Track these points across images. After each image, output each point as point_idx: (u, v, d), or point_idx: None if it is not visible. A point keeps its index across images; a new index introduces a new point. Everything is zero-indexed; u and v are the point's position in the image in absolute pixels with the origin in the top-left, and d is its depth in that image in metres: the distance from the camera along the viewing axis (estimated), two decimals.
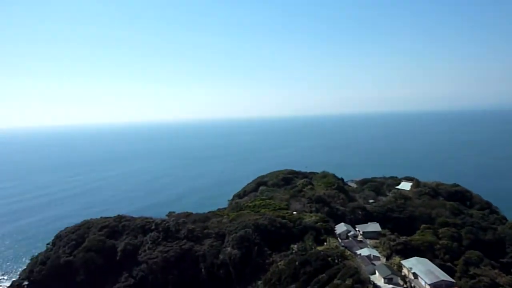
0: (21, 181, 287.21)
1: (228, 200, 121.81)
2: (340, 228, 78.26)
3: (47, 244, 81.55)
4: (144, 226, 75.42)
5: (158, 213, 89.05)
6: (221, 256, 67.40)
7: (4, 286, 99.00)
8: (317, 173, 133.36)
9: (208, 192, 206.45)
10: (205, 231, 75.09)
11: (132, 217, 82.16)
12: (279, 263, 63.76)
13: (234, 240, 69.30)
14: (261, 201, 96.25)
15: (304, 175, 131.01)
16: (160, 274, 65.24)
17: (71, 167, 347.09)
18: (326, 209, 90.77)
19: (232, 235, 70.28)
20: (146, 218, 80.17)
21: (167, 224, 74.66)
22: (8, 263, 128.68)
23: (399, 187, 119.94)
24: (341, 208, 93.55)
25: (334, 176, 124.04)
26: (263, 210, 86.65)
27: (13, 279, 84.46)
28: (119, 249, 70.83)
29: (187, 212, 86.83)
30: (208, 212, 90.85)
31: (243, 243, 68.63)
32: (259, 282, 62.12)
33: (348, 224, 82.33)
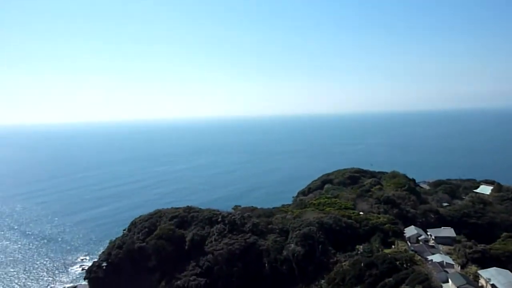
0: (103, 170, 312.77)
1: (293, 197, 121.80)
2: (410, 231, 74.55)
3: (123, 230, 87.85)
4: (211, 218, 78.16)
5: (225, 206, 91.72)
6: (284, 252, 67.74)
7: (86, 265, 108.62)
8: (386, 172, 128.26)
9: (273, 188, 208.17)
10: (269, 226, 75.90)
11: (200, 208, 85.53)
12: (343, 263, 62.56)
13: (298, 237, 69.23)
14: (326, 199, 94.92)
15: (371, 174, 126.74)
16: (225, 266, 67.24)
17: (151, 159, 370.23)
18: (395, 210, 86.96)
19: (296, 232, 70.25)
20: (213, 210, 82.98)
21: (233, 217, 76.63)
22: (91, 245, 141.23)
23: (477, 190, 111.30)
24: (412, 210, 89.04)
25: (405, 176, 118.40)
26: (328, 209, 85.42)
27: (94, 260, 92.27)
28: (187, 238, 74.21)
29: (252, 206, 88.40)
30: (273, 208, 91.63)
31: (307, 240, 68.30)
32: (322, 281, 61.49)
33: (419, 227, 78.13)
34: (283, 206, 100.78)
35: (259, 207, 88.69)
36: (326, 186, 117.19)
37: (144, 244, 75.71)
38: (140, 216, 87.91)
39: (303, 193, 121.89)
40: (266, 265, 66.51)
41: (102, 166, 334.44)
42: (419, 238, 72.14)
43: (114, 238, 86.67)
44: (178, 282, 66.43)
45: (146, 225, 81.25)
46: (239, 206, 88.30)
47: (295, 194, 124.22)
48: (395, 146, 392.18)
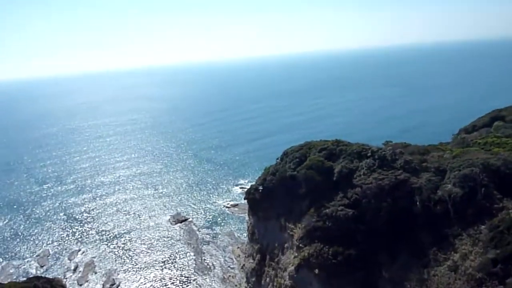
0: (263, 104, 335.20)
1: (453, 135, 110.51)
2: None
3: (276, 159, 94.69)
4: (360, 152, 77.52)
5: (375, 141, 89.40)
6: (439, 192, 63.62)
7: (245, 188, 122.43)
8: None
9: (431, 125, 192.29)
10: (423, 164, 71.45)
11: (349, 142, 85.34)
12: (511, 210, 55.79)
13: (457, 177, 63.69)
14: (494, 139, 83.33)
15: None
16: (373, 200, 67.22)
17: (309, 92, 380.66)
18: None
19: (455, 172, 64.62)
20: (363, 144, 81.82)
21: (383, 153, 74.47)
22: (250, 171, 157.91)
23: None
24: None
25: None
26: (496, 149, 75.19)
27: (252, 184, 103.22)
28: (335, 170, 75.85)
29: (404, 142, 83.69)
30: (428, 145, 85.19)
31: (467, 182, 62.35)
32: (483, 226, 56.41)
33: None
34: (440, 144, 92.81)
35: (412, 143, 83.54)
36: (495, 123, 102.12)
37: (295, 173, 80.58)
38: (292, 147, 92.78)
39: (465, 130, 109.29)
40: (418, 203, 63.90)
41: (262, 100, 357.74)
42: None
43: (268, 166, 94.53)
44: (327, 210, 69.66)
45: (297, 155, 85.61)
46: (391, 141, 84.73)
47: (456, 132, 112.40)
48: None
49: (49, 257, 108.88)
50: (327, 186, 74.75)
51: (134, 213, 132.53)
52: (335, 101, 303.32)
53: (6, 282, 72.56)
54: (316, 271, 66.73)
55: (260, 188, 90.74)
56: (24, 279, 77.15)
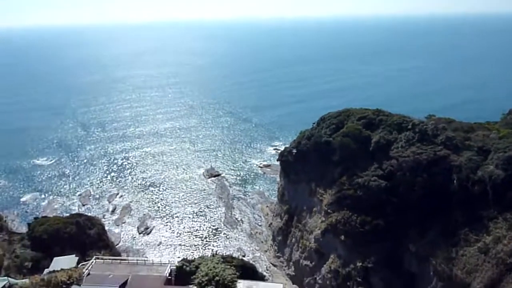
0: (308, 67, 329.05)
1: (503, 114, 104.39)
2: None
3: (313, 123, 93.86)
4: (400, 124, 75.36)
5: (417, 114, 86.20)
6: (479, 173, 61.34)
7: (279, 149, 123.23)
8: None
9: (479, 102, 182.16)
10: (466, 142, 68.63)
11: (390, 113, 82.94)
12: None
13: (500, 159, 60.97)
14: None
15: None
16: (408, 173, 65.95)
17: (352, 58, 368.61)
18: None
19: (499, 154, 61.80)
20: (404, 116, 79.31)
21: (424, 127, 72.02)
22: (284, 133, 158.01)
23: None
24: None
25: None
26: None
27: (286, 146, 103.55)
28: (373, 140, 74.49)
29: (448, 118, 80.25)
30: (474, 123, 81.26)
31: (511, 165, 59.63)
32: None
33: None
34: (487, 122, 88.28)
35: (457, 120, 79.99)
36: None
37: (331, 139, 79.86)
38: (329, 113, 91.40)
39: None
40: (455, 181, 62.07)
41: (308, 63, 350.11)
42: None
43: (303, 130, 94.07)
44: (359, 179, 69.28)
45: (334, 121, 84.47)
46: (434, 115, 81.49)
47: (506, 112, 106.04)
48: None
49: (90, 197, 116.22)
50: (362, 155, 73.83)
51: (170, 164, 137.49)
52: (379, 70, 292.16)
53: (51, 216, 78.65)
54: (342, 237, 67.55)
55: (294, 151, 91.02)
56: (67, 215, 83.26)
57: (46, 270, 47.82)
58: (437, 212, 62.00)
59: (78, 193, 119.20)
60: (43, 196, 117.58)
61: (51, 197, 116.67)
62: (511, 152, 60.64)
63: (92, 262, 47.39)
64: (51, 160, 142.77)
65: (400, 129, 75.13)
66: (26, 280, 43.38)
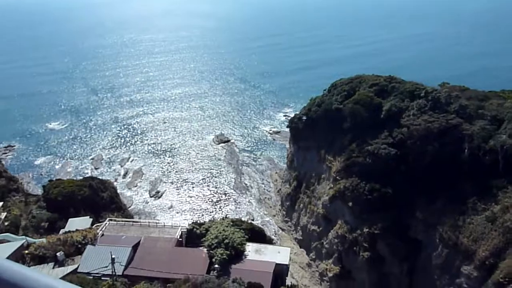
0: (323, 31, 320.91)
1: None
2: None
3: (324, 90, 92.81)
4: (413, 92, 74.11)
5: (431, 82, 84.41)
6: (491, 142, 60.65)
7: (289, 116, 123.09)
8: None
9: (496, 70, 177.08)
10: (480, 111, 67.43)
11: (402, 80, 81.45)
12: None
13: None
14: None
15: None
16: (419, 142, 65.52)
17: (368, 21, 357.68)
18: None
19: None
20: (417, 83, 77.85)
21: (437, 95, 70.75)
22: (295, 100, 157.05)
23: None
24: None
25: None
26: None
27: (296, 113, 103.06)
28: (384, 108, 73.63)
29: (463, 86, 78.48)
30: (489, 92, 79.50)
31: None
32: None
33: None
34: (502, 91, 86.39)
35: (471, 88, 78.25)
36: None
37: (342, 106, 79.13)
38: (341, 79, 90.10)
39: None
40: (466, 150, 61.62)
41: (318, 27, 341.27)
42: None
43: (314, 96, 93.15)
44: (369, 147, 69.11)
45: (346, 88, 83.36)
46: (448, 83, 79.78)
47: None
48: None
49: (102, 161, 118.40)
50: (373, 123, 73.27)
51: (180, 130, 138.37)
52: (393, 36, 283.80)
53: (65, 179, 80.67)
54: (350, 203, 68.34)
55: (304, 118, 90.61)
56: (81, 178, 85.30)
57: (62, 231, 49.66)
58: (446, 181, 61.98)
59: (91, 157, 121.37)
60: (56, 159, 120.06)
61: (64, 161, 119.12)
62: None
63: (106, 223, 48.98)
64: (63, 125, 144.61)
65: (412, 97, 73.98)
66: (43, 240, 45.20)
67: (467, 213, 58.09)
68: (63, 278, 35.81)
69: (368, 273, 65.51)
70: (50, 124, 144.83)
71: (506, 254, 51.72)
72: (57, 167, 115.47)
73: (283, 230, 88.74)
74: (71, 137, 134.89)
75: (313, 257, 78.42)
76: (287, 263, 43.03)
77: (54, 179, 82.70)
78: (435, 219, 61.10)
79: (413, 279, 64.54)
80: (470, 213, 57.82)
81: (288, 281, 48.92)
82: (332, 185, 74.71)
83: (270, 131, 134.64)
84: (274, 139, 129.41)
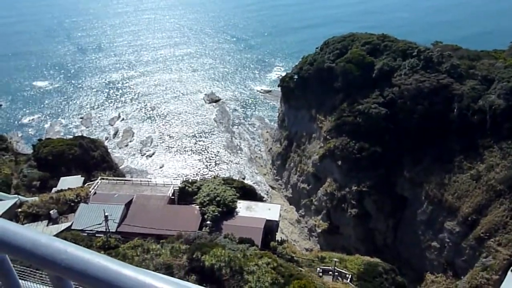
0: None
1: (511, 42, 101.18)
2: None
3: (316, 48, 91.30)
4: (405, 51, 73.44)
5: (425, 40, 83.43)
6: (480, 102, 61.28)
7: (281, 75, 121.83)
8: None
9: (489, 27, 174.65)
10: (471, 71, 67.54)
11: (395, 38, 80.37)
12: None
13: (503, 89, 60.51)
14: None
15: None
16: (409, 101, 65.85)
17: None
18: None
19: (503, 83, 61.15)
20: (410, 42, 77.01)
21: (430, 54, 70.29)
22: (288, 59, 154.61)
23: None
24: None
25: None
26: None
27: (288, 72, 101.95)
28: (376, 67, 73.14)
29: (456, 45, 77.93)
30: (481, 51, 79.15)
31: None
32: None
33: None
34: (495, 51, 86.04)
35: (464, 47, 77.70)
36: None
37: (334, 65, 78.33)
38: (334, 37, 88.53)
39: None
40: (455, 110, 62.26)
41: None
42: None
43: (307, 55, 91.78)
44: (360, 106, 69.33)
45: (338, 46, 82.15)
46: (441, 42, 79.04)
47: None
48: None
49: (92, 120, 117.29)
50: (365, 82, 73.03)
51: (170, 89, 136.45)
52: None
53: (55, 138, 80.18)
54: (339, 162, 69.50)
55: (295, 77, 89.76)
56: (70, 137, 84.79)
57: (54, 189, 49.98)
58: (434, 140, 63.08)
59: (80, 115, 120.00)
60: (45, 118, 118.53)
61: (53, 120, 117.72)
62: None
63: (98, 182, 49.38)
64: (51, 84, 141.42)
65: (404, 56, 73.45)
66: (36, 198, 45.62)
67: (453, 171, 59.65)
68: (57, 235, 36.54)
69: (355, 229, 67.90)
70: (37, 83, 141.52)
71: (488, 210, 53.81)
72: (46, 126, 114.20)
73: (273, 188, 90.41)
74: (59, 96, 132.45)
75: (303, 213, 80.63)
76: (277, 219, 44.24)
77: (43, 138, 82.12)
78: (422, 177, 62.73)
79: (397, 234, 67.17)
80: (456, 171, 59.39)
81: (278, 236, 50.61)
82: (322, 144, 75.52)
83: (262, 90, 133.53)
84: (265, 98, 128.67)
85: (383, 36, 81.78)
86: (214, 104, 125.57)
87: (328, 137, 73.40)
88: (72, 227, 39.94)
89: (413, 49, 73.53)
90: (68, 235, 36.06)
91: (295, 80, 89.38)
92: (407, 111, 66.09)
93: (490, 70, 66.63)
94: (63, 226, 40.67)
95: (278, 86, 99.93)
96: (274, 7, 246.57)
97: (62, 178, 53.29)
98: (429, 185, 61.18)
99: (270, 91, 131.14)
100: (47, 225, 41.19)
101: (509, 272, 45.39)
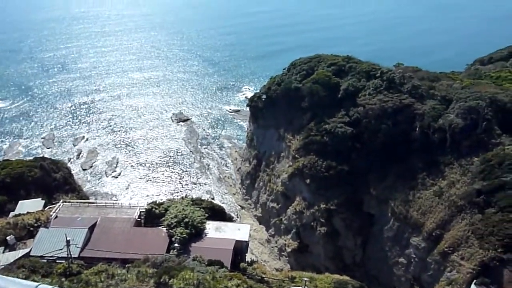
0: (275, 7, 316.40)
1: (467, 65, 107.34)
2: None
3: (284, 69, 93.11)
4: (369, 72, 76.11)
5: (387, 62, 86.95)
6: (440, 121, 63.97)
7: (249, 95, 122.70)
8: None
9: (449, 51, 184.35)
10: (431, 91, 70.72)
11: (360, 60, 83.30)
12: (507, 147, 56.75)
13: (461, 108, 63.55)
14: (508, 74, 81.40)
15: None
16: (374, 121, 67.88)
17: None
18: None
19: (460, 103, 64.29)
20: (373, 64, 79.97)
21: (392, 75, 73.17)
22: (255, 79, 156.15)
23: None
24: None
25: None
26: (507, 85, 73.93)
27: (256, 92, 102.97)
28: (342, 87, 75.26)
29: (416, 67, 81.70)
30: (440, 73, 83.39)
31: (470, 114, 62.35)
32: (476, 158, 57.89)
33: None
34: (452, 72, 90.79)
35: (424, 69, 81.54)
36: None
37: (300, 85, 79.94)
38: (300, 58, 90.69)
39: (481, 61, 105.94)
40: (417, 129, 64.67)
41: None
42: None
43: (274, 75, 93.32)
44: (326, 126, 70.74)
45: (305, 67, 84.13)
46: (402, 64, 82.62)
47: (471, 62, 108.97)
48: None
49: (54, 141, 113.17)
50: (331, 102, 74.82)
51: (137, 108, 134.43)
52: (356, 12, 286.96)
53: (14, 159, 76.53)
54: (308, 181, 70.12)
55: (264, 96, 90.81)
56: (31, 158, 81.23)
57: (11, 214, 47.38)
58: (398, 158, 64.96)
59: (41, 136, 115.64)
60: (3, 139, 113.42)
61: (12, 140, 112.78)
62: (471, 102, 63.17)
63: (60, 205, 47.26)
64: (11, 103, 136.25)
65: (368, 77, 76.03)
66: None
67: (416, 188, 61.43)
68: (15, 262, 34.48)
69: (324, 247, 68.19)
70: None
71: (451, 225, 55.48)
72: (4, 147, 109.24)
73: (243, 207, 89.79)
74: (20, 116, 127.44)
75: (272, 233, 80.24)
76: (247, 239, 43.71)
77: (1, 159, 78.22)
78: (387, 194, 64.17)
79: (366, 251, 67.93)
80: (419, 188, 61.20)
81: (248, 257, 49.98)
82: (291, 163, 76.12)
83: (230, 110, 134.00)
84: (234, 118, 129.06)
85: (347, 58, 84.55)
86: (182, 123, 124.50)
87: (296, 155, 74.15)
88: (31, 254, 37.78)
89: (376, 70, 76.33)
90: (26, 262, 34.01)
91: (263, 99, 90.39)
92: (372, 130, 68.01)
93: (448, 90, 70.06)
94: (20, 252, 38.42)
95: (247, 105, 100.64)
96: (244, 31, 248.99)
97: (20, 202, 50.66)
98: (395, 201, 62.63)
99: (239, 110, 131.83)
100: (3, 252, 38.82)
101: (472, 285, 46.69)
